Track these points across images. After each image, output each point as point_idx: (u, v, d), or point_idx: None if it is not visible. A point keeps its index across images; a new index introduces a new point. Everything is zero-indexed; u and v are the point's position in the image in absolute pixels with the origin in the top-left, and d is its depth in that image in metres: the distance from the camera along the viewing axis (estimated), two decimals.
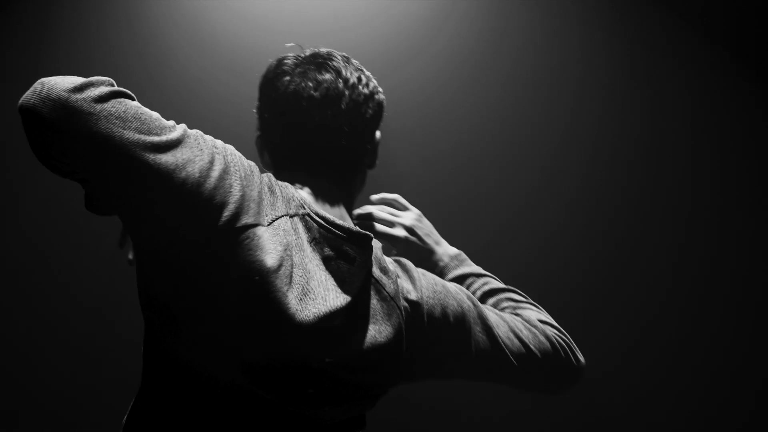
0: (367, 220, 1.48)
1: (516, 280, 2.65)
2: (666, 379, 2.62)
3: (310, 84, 1.24)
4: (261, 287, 1.05)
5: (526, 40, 2.62)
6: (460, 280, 1.49)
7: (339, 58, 1.30)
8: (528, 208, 2.63)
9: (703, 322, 2.63)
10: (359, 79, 1.28)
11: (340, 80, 1.26)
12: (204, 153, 1.07)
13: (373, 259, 1.18)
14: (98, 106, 1.01)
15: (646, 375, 2.62)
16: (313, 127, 1.25)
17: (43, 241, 2.52)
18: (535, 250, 2.62)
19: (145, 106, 1.13)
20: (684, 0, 2.62)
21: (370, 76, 1.32)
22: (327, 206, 1.24)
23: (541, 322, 1.41)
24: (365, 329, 1.13)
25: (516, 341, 1.32)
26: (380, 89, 1.33)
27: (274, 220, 1.10)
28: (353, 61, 1.33)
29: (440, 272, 1.49)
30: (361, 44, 2.60)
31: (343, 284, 1.12)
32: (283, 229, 1.10)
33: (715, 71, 2.64)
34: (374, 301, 1.15)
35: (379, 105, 1.32)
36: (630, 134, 2.64)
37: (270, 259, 1.05)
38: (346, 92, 1.26)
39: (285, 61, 1.31)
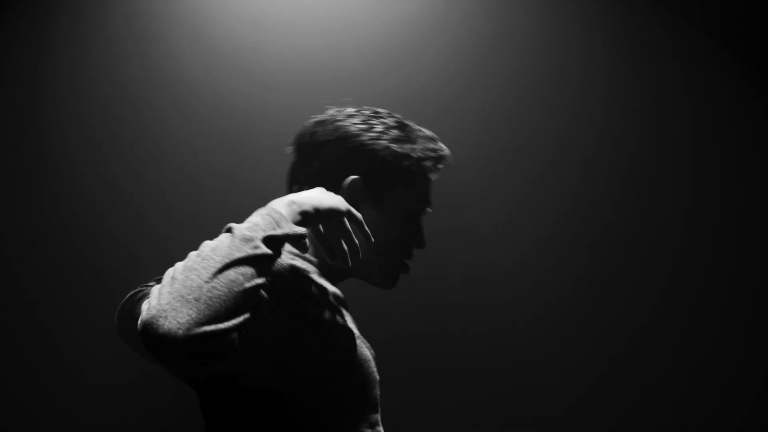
0: None
1: (514, 279, 2.67)
2: (664, 377, 2.62)
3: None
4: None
5: (526, 40, 2.62)
6: None
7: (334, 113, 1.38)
8: (527, 208, 2.63)
9: (702, 320, 2.62)
10: (322, 122, 1.36)
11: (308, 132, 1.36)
12: None
13: None
14: None
15: (644, 373, 2.62)
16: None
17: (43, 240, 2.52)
18: (533, 249, 2.62)
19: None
20: (684, 0, 2.62)
21: (338, 126, 1.33)
22: None
23: None
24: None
25: None
26: (348, 137, 1.32)
27: None
28: (348, 112, 1.37)
29: None
30: (361, 44, 2.60)
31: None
32: None
33: (715, 70, 2.64)
34: None
35: (344, 149, 1.31)
36: (630, 134, 2.64)
37: None
38: (313, 137, 1.34)
39: None
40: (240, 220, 1.03)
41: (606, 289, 2.63)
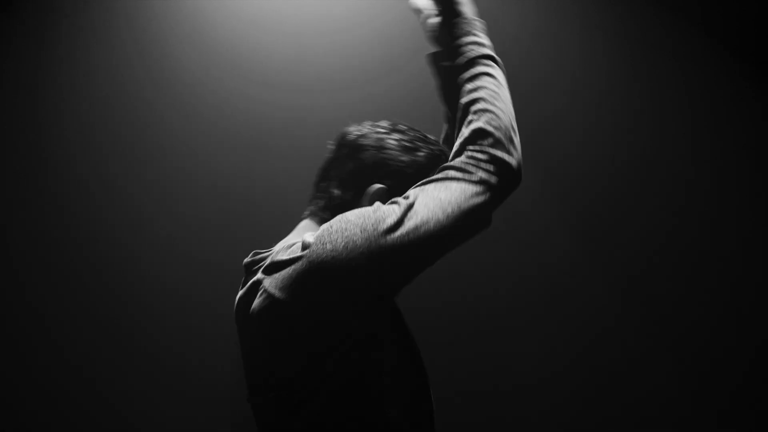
0: None
1: (513, 279, 2.67)
2: (664, 377, 2.62)
3: None
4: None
5: (526, 40, 2.62)
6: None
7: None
8: (527, 208, 2.63)
9: (701, 319, 2.63)
10: (371, 129, 1.41)
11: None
12: None
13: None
14: None
15: (645, 372, 2.63)
16: None
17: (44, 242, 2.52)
18: (533, 249, 2.62)
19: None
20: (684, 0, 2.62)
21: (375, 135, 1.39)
22: None
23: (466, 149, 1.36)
24: None
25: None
26: (387, 149, 1.38)
27: None
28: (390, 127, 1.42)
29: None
30: (360, 44, 2.60)
31: None
32: None
33: (715, 70, 2.64)
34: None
35: (380, 159, 1.37)
36: (630, 134, 2.64)
37: None
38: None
39: None
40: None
41: (606, 289, 2.63)
